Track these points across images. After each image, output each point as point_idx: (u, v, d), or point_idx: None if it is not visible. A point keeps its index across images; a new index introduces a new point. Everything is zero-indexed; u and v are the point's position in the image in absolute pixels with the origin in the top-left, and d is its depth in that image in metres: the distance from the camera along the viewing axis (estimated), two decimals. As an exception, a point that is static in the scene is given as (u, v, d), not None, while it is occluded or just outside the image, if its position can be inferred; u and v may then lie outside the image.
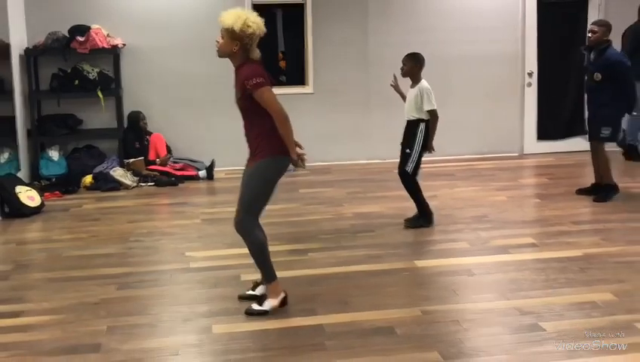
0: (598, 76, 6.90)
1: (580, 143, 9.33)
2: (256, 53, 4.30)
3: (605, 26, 7.02)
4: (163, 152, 8.43)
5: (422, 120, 6.10)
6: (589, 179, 7.57)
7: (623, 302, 4.53)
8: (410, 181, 6.25)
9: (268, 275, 4.42)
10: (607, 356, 3.80)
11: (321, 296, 4.74)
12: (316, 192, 7.65)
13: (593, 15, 9.15)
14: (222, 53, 4.29)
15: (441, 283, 5.07)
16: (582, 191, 7.32)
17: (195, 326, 4.30)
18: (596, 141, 7.14)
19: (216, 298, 4.74)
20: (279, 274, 4.66)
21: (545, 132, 9.56)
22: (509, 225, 6.35)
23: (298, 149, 4.33)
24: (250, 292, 4.60)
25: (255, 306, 4.37)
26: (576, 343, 3.95)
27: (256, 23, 4.22)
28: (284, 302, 4.42)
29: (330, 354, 3.87)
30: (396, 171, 6.31)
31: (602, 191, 7.10)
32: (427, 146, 6.16)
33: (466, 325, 4.25)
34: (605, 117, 7.01)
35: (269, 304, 4.37)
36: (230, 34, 4.17)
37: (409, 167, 6.17)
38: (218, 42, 4.27)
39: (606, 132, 7.01)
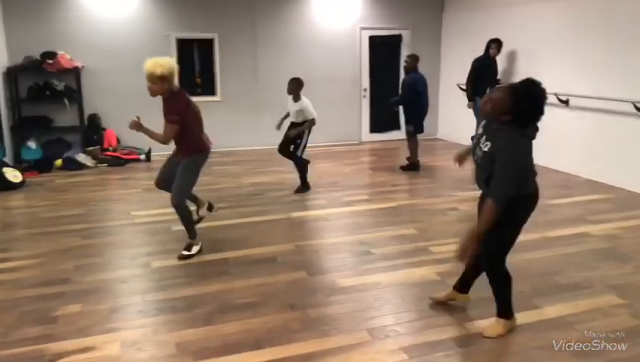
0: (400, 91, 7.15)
1: (396, 135, 9.64)
2: (175, 84, 4.01)
3: (414, 57, 7.22)
4: (114, 142, 8.05)
5: (305, 121, 6.03)
6: (403, 157, 7.85)
7: (422, 234, 4.76)
8: (300, 160, 6.17)
9: (192, 233, 4.31)
10: (412, 268, 4.00)
11: (227, 238, 4.69)
12: (223, 169, 7.50)
13: (405, 51, 9.39)
14: (156, 95, 3.95)
15: (308, 227, 5.14)
16: (404, 168, 7.40)
17: (138, 263, 4.15)
18: (407, 133, 7.36)
19: (154, 243, 4.59)
20: (198, 225, 4.56)
21: (374, 127, 9.71)
22: (352, 187, 6.46)
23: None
24: (196, 218, 4.51)
25: (184, 252, 4.24)
26: (393, 261, 4.13)
27: (173, 64, 3.94)
28: (201, 249, 4.32)
29: (233, 277, 3.87)
30: (280, 155, 6.27)
31: (410, 166, 7.36)
32: (279, 126, 6.10)
33: (323, 253, 4.34)
34: (409, 118, 7.24)
35: (195, 249, 4.28)
36: (160, 79, 3.84)
37: (299, 151, 6.11)
38: (151, 88, 3.90)
39: (410, 128, 7.26)
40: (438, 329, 3.11)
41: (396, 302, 3.47)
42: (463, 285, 3.29)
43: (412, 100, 7.11)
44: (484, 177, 2.82)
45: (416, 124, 7.22)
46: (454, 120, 9.35)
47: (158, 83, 3.87)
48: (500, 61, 7.82)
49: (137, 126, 3.98)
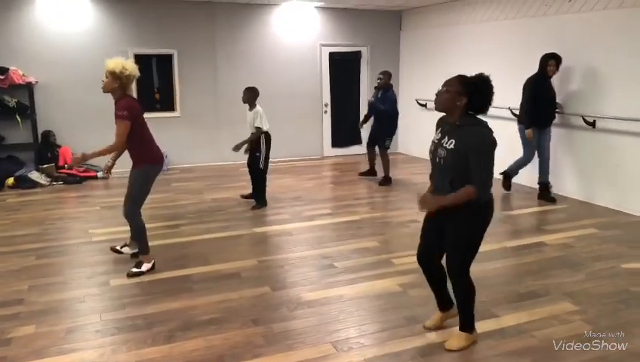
0: (382, 106, 7.20)
1: (356, 149, 9.77)
2: (131, 90, 4.17)
3: (388, 75, 7.31)
4: (69, 160, 7.86)
5: (262, 132, 6.02)
6: (364, 169, 7.95)
7: (384, 247, 4.82)
8: (260, 175, 6.17)
9: (144, 248, 4.26)
10: (375, 280, 4.04)
11: (188, 255, 4.64)
12: (183, 185, 7.43)
13: (364, 67, 9.61)
14: (106, 89, 4.09)
15: (271, 242, 5.13)
16: (362, 174, 7.70)
17: (96, 281, 4.06)
18: (381, 148, 7.39)
19: (112, 261, 4.49)
20: (159, 242, 4.53)
21: (336, 142, 9.80)
22: (314, 202, 6.50)
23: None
24: (118, 248, 4.52)
25: (134, 269, 4.18)
26: (356, 274, 4.17)
27: (132, 67, 4.08)
28: (153, 266, 4.26)
29: (197, 294, 3.83)
30: (241, 169, 6.24)
31: (384, 180, 7.40)
32: (236, 147, 6.00)
33: (287, 268, 4.35)
34: (386, 133, 7.32)
35: (145, 267, 4.21)
36: (112, 75, 4.01)
37: (261, 164, 6.10)
38: (103, 81, 4.06)
39: (388, 142, 7.38)
40: (401, 340, 3.16)
41: (360, 314, 3.50)
42: (443, 301, 3.26)
43: (394, 116, 7.29)
44: (449, 179, 2.81)
45: (392, 138, 7.38)
46: (413, 134, 9.54)
47: (109, 77, 4.02)
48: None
49: (79, 160, 4.13)
